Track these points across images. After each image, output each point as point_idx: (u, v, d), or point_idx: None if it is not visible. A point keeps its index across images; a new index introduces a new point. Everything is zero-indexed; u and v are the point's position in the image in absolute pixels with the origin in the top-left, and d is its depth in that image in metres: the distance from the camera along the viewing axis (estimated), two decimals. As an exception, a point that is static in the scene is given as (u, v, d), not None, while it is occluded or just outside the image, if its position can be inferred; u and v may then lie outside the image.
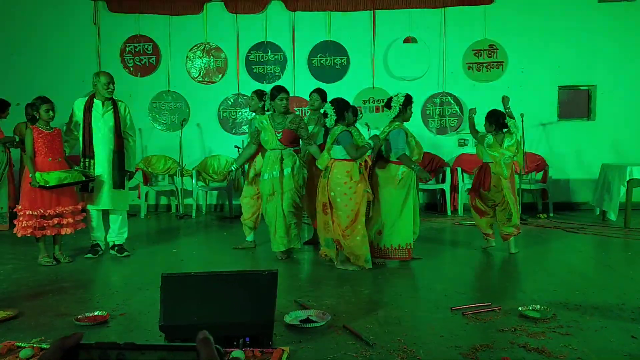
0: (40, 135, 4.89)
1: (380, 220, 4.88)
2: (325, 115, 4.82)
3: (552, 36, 8.32)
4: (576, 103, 8.69)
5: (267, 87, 8.52)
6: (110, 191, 5.20)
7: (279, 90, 5.08)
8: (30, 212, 4.78)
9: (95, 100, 5.19)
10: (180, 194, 8.34)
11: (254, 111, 5.68)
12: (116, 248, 5.38)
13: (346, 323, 3.30)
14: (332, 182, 4.69)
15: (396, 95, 4.97)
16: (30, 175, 4.77)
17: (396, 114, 4.90)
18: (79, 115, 5.20)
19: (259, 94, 5.68)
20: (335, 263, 4.83)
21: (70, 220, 4.96)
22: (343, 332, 3.20)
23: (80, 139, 5.22)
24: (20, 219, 4.82)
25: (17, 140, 7.01)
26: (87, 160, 5.17)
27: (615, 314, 3.49)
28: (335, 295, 3.99)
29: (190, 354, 0.61)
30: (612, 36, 8.27)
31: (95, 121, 5.16)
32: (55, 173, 4.79)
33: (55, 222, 4.88)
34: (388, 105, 4.99)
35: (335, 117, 4.74)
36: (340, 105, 4.79)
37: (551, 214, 7.84)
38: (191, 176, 8.33)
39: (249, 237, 5.66)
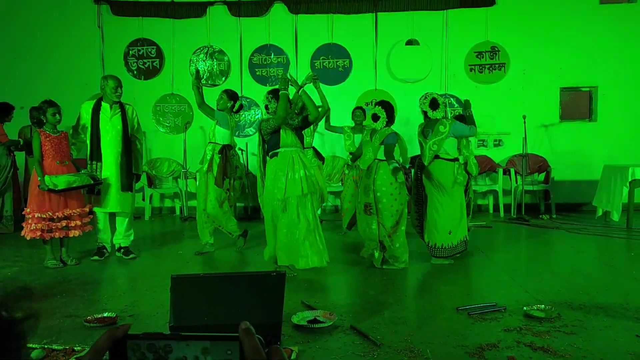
0: (48, 139, 4.93)
1: (449, 219, 4.99)
2: (376, 117, 4.90)
3: (553, 38, 8.36)
4: (578, 104, 8.72)
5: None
6: (118, 194, 5.25)
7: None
8: (39, 215, 4.82)
9: (103, 103, 5.24)
10: (184, 196, 8.38)
11: (222, 110, 5.55)
12: (122, 250, 5.42)
13: (353, 323, 3.34)
14: (377, 182, 4.81)
15: (430, 95, 5.02)
16: (39, 178, 4.82)
17: (443, 114, 5.06)
18: (86, 118, 5.24)
19: (230, 94, 5.63)
20: (375, 263, 4.91)
21: (78, 222, 5.00)
22: (350, 332, 3.23)
23: (88, 142, 5.26)
24: (29, 221, 4.86)
25: (22, 143, 7.06)
26: (94, 163, 5.22)
27: (620, 314, 3.52)
28: (341, 296, 4.02)
29: (233, 344, 0.65)
30: (614, 38, 8.31)
31: (103, 124, 5.20)
32: (64, 176, 4.84)
33: (63, 224, 4.92)
34: (435, 106, 4.96)
35: (386, 120, 4.89)
36: (390, 108, 4.96)
37: (554, 215, 7.87)
38: (195, 178, 8.36)
39: (240, 242, 5.70)
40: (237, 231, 5.67)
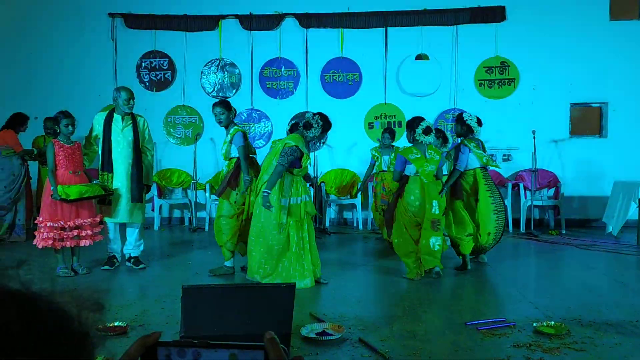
0: (62, 149, 5.00)
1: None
2: (428, 131, 5.04)
3: (563, 53, 8.38)
4: (588, 120, 8.72)
5: (281, 103, 8.73)
6: (128, 204, 5.29)
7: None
8: (51, 224, 4.88)
9: (115, 114, 5.30)
10: (193, 207, 8.43)
11: (227, 125, 5.14)
12: (132, 260, 5.45)
13: (362, 336, 3.34)
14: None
15: (473, 114, 5.58)
16: (51, 188, 4.88)
17: None
18: (99, 129, 5.30)
19: (226, 104, 5.16)
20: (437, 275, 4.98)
21: (89, 232, 5.06)
22: (359, 345, 3.23)
23: (100, 152, 5.33)
24: (41, 230, 4.91)
25: (35, 153, 7.15)
26: (105, 173, 5.27)
27: (630, 331, 3.50)
28: (350, 309, 4.02)
29: (259, 353, 0.67)
30: (624, 54, 8.32)
31: (115, 135, 5.26)
32: (77, 186, 4.90)
33: (75, 233, 4.98)
34: (480, 124, 5.54)
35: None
36: None
37: (563, 231, 7.83)
38: (204, 190, 8.42)
39: (229, 262, 5.18)
40: (228, 258, 5.19)
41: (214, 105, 5.22)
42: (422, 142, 4.93)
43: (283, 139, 4.85)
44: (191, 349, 0.69)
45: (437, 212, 4.89)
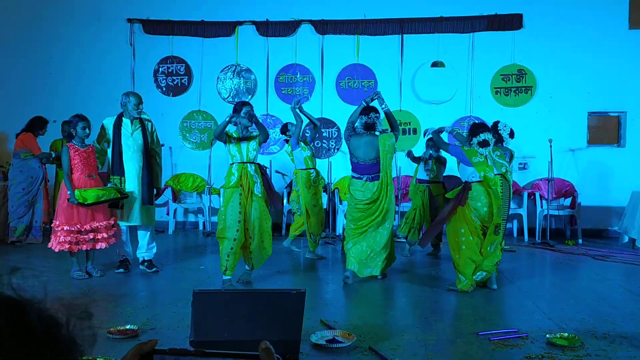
0: (77, 153, 5.07)
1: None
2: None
3: (581, 62, 8.29)
4: (606, 129, 8.61)
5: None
6: (140, 207, 5.34)
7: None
8: (68, 228, 4.93)
9: (124, 119, 5.37)
10: (207, 211, 8.47)
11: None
12: (146, 264, 5.49)
13: (372, 344, 3.32)
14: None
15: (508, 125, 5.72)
16: (68, 192, 4.93)
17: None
18: (109, 134, 5.36)
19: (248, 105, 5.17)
20: (492, 285, 4.92)
21: (104, 235, 5.10)
22: (369, 353, 3.22)
23: (110, 157, 5.38)
24: (58, 234, 4.96)
25: (54, 156, 7.25)
26: (117, 177, 5.32)
27: (646, 345, 3.43)
28: (361, 316, 4.01)
29: None
30: (643, 63, 8.21)
31: (125, 139, 5.32)
32: (93, 190, 4.95)
33: (90, 237, 5.03)
34: (512, 135, 5.75)
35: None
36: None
37: (580, 241, 7.72)
38: (219, 194, 8.45)
39: (246, 276, 5.12)
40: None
41: (246, 104, 5.29)
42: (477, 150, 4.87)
43: (384, 136, 5.43)
44: (187, 357, 0.69)
45: (500, 217, 4.90)
